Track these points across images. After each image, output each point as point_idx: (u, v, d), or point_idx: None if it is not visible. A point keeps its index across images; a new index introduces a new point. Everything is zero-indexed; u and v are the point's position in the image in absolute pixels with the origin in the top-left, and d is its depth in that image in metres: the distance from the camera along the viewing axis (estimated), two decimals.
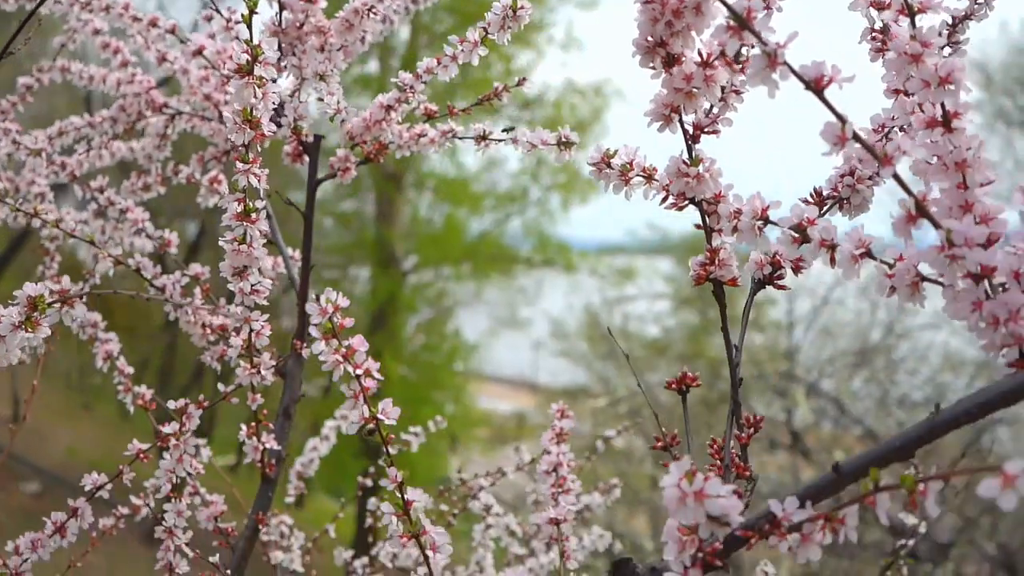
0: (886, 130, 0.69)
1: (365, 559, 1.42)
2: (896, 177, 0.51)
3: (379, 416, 0.63)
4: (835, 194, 0.69)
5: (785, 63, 0.51)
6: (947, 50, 0.73)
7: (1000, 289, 0.52)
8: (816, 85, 0.51)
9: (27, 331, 0.68)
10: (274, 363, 0.91)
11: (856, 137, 0.51)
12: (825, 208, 0.69)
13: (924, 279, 0.55)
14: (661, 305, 10.75)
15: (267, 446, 0.98)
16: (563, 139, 0.83)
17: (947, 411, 0.51)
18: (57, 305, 0.68)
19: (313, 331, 0.62)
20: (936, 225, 0.51)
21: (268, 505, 1.01)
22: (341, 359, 0.62)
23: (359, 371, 0.62)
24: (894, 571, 1.06)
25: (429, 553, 0.65)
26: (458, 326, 12.09)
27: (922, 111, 0.55)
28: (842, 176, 0.68)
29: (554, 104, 11.00)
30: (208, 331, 1.02)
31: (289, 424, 1.02)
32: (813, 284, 7.62)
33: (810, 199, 0.69)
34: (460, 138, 0.99)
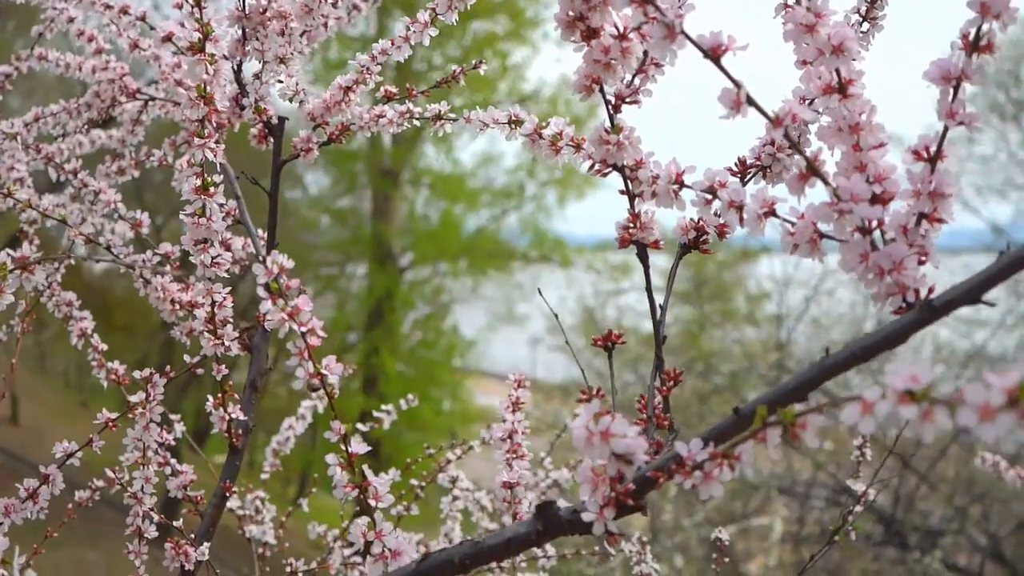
0: (807, 101, 0.73)
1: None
2: (787, 137, 0.55)
3: (323, 372, 0.67)
4: (758, 163, 0.73)
5: (683, 33, 0.54)
6: (865, 25, 0.77)
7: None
8: (713, 53, 0.55)
9: None
10: (237, 334, 0.95)
11: (750, 101, 0.55)
12: (749, 176, 0.73)
13: (822, 235, 0.59)
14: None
15: (233, 416, 1.01)
16: (513, 118, 0.87)
17: (837, 354, 0.54)
18: (17, 272, 0.72)
19: (260, 291, 0.65)
20: (826, 183, 0.55)
21: (235, 474, 1.04)
22: (287, 317, 0.66)
23: (304, 329, 0.66)
24: (842, 536, 1.10)
25: (372, 502, 0.68)
26: (455, 322, 12.13)
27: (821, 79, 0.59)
28: (764, 145, 0.72)
29: (549, 100, 11.03)
30: (177, 307, 1.06)
31: (256, 396, 1.06)
32: (805, 276, 7.66)
33: (733, 168, 0.73)
34: (418, 118, 1.03)
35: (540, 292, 1.03)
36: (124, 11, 1.14)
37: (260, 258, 0.97)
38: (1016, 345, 7.97)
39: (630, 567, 1.23)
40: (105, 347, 1.16)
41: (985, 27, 0.55)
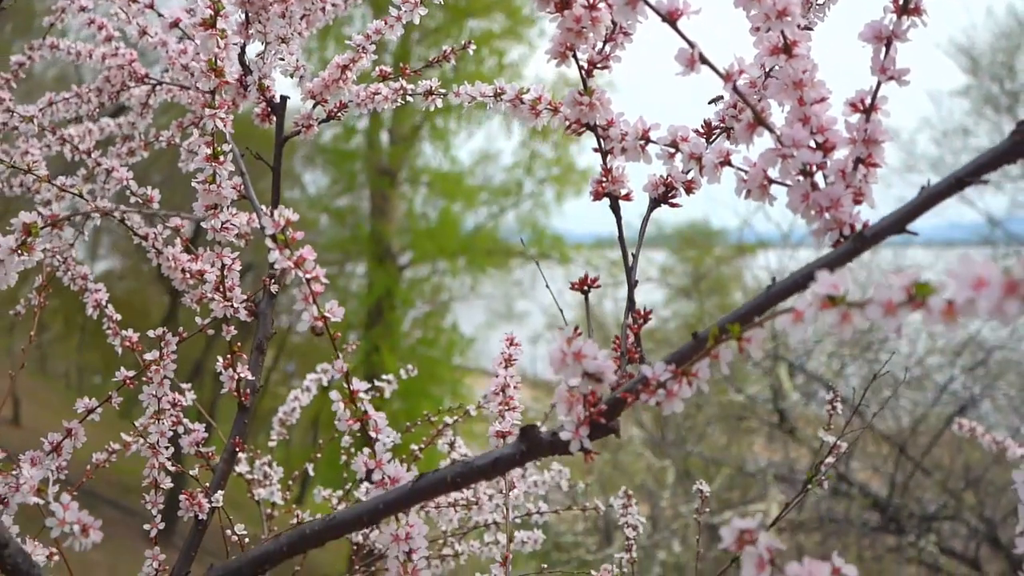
0: (767, 68, 0.80)
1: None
2: (736, 91, 0.62)
3: (326, 315, 0.74)
4: (722, 124, 0.79)
5: (644, 1, 0.61)
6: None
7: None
8: (671, 17, 0.62)
9: (22, 254, 0.79)
10: (245, 297, 1.02)
11: (703, 59, 0.62)
12: (714, 136, 0.80)
13: (771, 181, 0.66)
14: (656, 295, 10.87)
15: (242, 376, 1.08)
16: (498, 91, 0.93)
17: (782, 282, 0.61)
18: (48, 228, 0.79)
19: (268, 242, 0.72)
20: (771, 131, 0.62)
21: (244, 431, 1.11)
22: (293, 265, 0.73)
23: (309, 276, 0.73)
24: (814, 483, 1.17)
25: (373, 434, 0.75)
26: (455, 320, 12.19)
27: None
28: (727, 108, 0.79)
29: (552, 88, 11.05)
30: (187, 276, 1.13)
31: (262, 358, 1.13)
32: (795, 263, 7.72)
33: (700, 129, 0.80)
34: (411, 94, 1.09)
35: (546, 283, 1.08)
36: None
37: (268, 220, 1.04)
38: (1015, 337, 8.03)
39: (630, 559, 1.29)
40: (119, 317, 1.23)
41: None
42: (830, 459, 1.16)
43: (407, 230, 11.95)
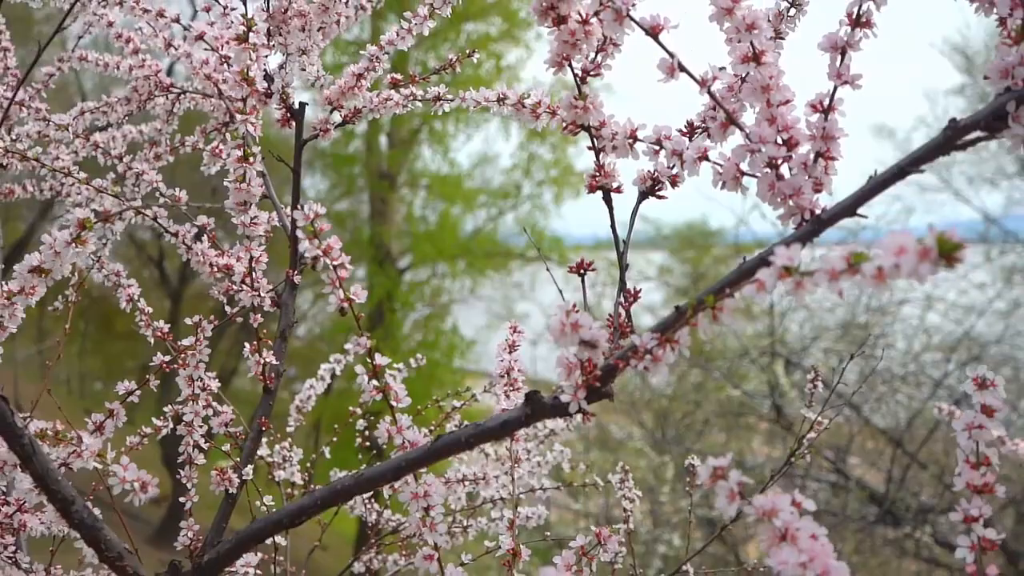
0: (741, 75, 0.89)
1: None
2: (711, 95, 0.71)
3: (352, 297, 0.83)
4: (703, 124, 0.89)
5: (629, 16, 0.71)
6: (792, 10, 0.93)
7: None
8: (653, 31, 0.71)
9: (77, 246, 0.88)
10: (271, 287, 1.11)
11: (681, 67, 0.71)
12: (696, 135, 0.89)
13: (743, 173, 0.75)
14: (656, 296, 10.95)
15: (267, 361, 1.18)
16: (501, 96, 1.03)
17: (750, 261, 0.70)
18: (101, 224, 0.88)
19: (299, 232, 0.82)
20: (741, 129, 0.72)
21: (269, 411, 1.20)
22: (322, 253, 0.82)
23: (335, 263, 0.82)
24: (798, 456, 1.26)
25: (393, 403, 0.85)
26: (455, 323, 12.28)
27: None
28: (706, 110, 0.88)
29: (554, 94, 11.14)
30: (215, 269, 1.22)
31: (285, 345, 1.22)
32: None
33: (683, 129, 0.89)
34: (420, 100, 1.19)
35: (553, 279, 1.17)
36: (160, 14, 1.30)
37: (285, 228, 1.14)
38: (1010, 332, 8.12)
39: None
40: (150, 310, 1.32)
41: (864, 7, 0.72)
42: (812, 434, 1.25)
43: (407, 233, 12.04)
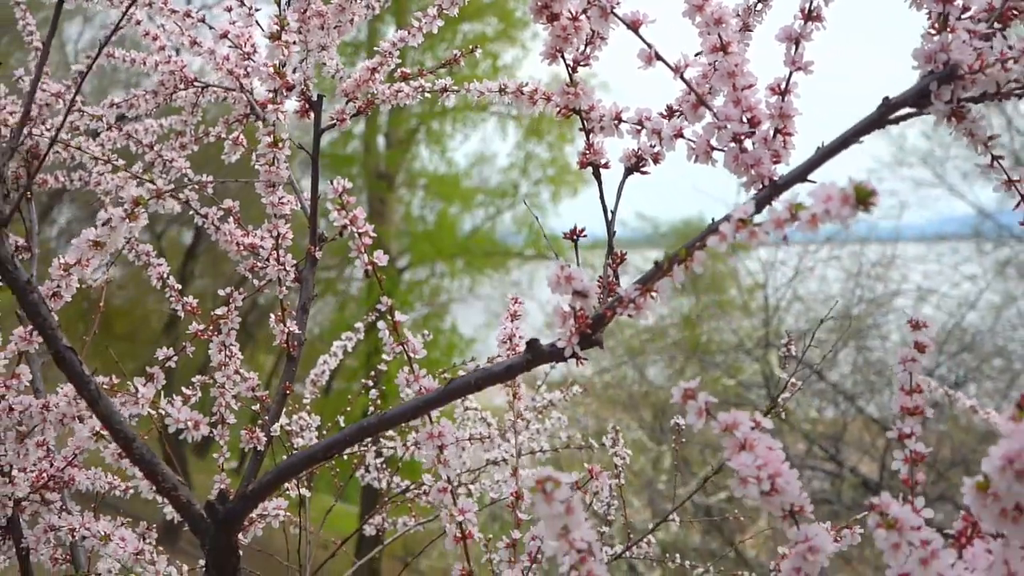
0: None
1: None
2: (684, 80, 0.83)
3: (375, 261, 0.95)
4: (679, 107, 1.01)
5: (613, 13, 0.83)
6: (759, 5, 1.05)
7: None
8: (634, 25, 0.83)
9: (130, 221, 1.00)
10: (295, 262, 1.23)
11: (658, 56, 0.83)
12: (675, 117, 1.01)
13: (712, 148, 0.87)
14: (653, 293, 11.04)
15: (291, 330, 1.29)
16: (502, 86, 1.14)
17: (716, 222, 0.82)
18: (153, 200, 0.99)
19: (329, 204, 0.93)
20: (710, 109, 0.84)
21: (293, 377, 1.32)
22: (348, 223, 0.94)
23: (361, 231, 0.94)
24: (773, 415, 1.38)
25: (412, 354, 0.97)
26: (454, 322, 12.39)
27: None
28: (684, 94, 1.00)
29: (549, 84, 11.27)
30: (240, 248, 1.34)
31: (306, 317, 1.34)
32: (788, 257, 7.96)
33: (664, 112, 1.01)
34: (428, 92, 1.31)
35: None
36: (187, 15, 1.42)
37: (305, 211, 1.26)
38: (1001, 324, 8.25)
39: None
40: (179, 286, 1.43)
41: (815, 3, 0.84)
42: (786, 394, 1.36)
43: (405, 233, 12.16)
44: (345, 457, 1.75)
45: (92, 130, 1.50)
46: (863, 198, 0.59)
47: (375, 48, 1.28)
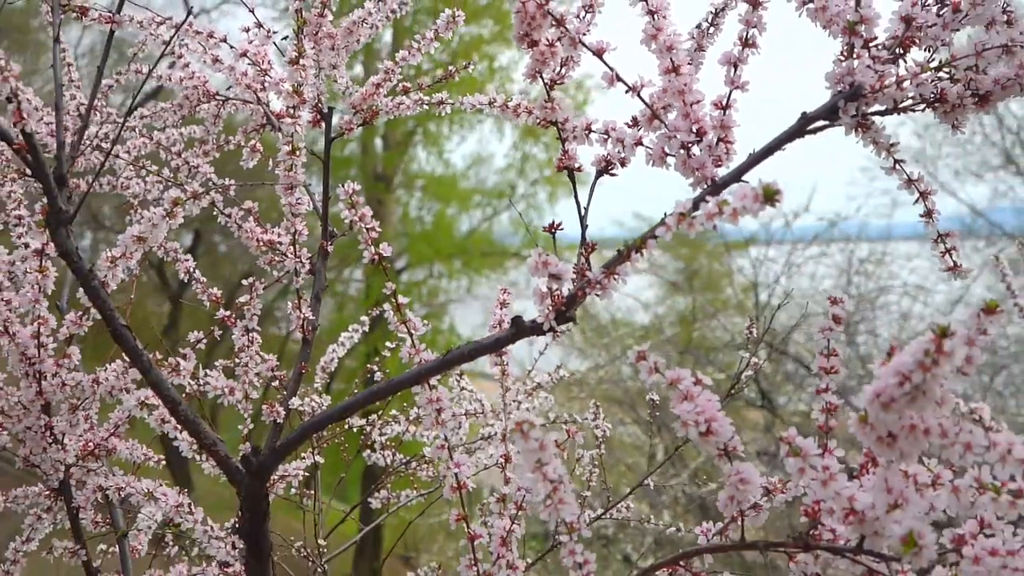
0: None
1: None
2: (640, 97, 1.00)
3: (380, 252, 1.12)
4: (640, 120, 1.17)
5: (581, 41, 0.99)
6: (711, 29, 1.21)
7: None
8: (598, 52, 1.00)
9: (169, 219, 1.16)
10: (310, 255, 1.40)
11: (618, 78, 0.99)
12: (636, 127, 1.17)
13: (666, 154, 1.03)
14: (650, 293, 11.24)
15: (306, 316, 1.46)
16: (492, 100, 1.31)
17: (663, 219, 0.98)
18: (191, 200, 1.16)
19: (340, 204, 1.10)
20: (661, 121, 1.00)
21: (308, 358, 1.49)
22: (358, 219, 1.10)
23: (368, 226, 1.11)
24: (737, 391, 1.54)
25: (413, 331, 1.13)
26: (452, 322, 12.54)
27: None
28: (643, 110, 1.16)
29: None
30: (260, 244, 1.50)
31: (318, 304, 1.50)
32: (779, 254, 8.13)
33: (630, 122, 1.17)
34: (427, 104, 1.47)
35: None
36: (211, 35, 1.58)
37: (317, 211, 1.42)
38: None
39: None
40: (204, 280, 1.60)
41: (750, 32, 1.00)
42: (748, 372, 1.53)
43: (403, 234, 12.31)
44: (354, 430, 1.91)
45: (122, 138, 1.67)
46: (769, 196, 0.76)
47: (374, 58, 1.45)
